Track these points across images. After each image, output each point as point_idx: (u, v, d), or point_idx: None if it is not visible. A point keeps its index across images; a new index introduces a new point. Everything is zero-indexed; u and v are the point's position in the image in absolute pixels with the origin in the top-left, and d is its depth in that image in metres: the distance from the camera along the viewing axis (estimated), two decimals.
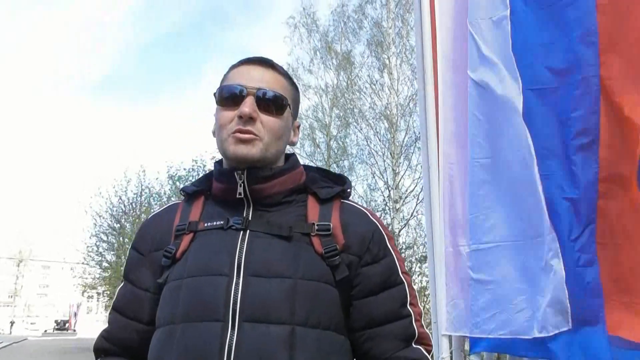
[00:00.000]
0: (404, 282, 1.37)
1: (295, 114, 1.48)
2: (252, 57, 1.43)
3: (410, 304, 1.35)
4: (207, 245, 1.31)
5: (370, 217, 1.42)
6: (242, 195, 1.35)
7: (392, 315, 1.33)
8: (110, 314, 1.45)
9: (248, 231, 1.31)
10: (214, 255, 1.29)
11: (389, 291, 1.34)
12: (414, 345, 1.33)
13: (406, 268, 1.41)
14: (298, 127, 1.51)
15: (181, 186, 1.62)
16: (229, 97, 1.36)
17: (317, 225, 1.32)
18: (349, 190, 1.45)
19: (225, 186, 1.37)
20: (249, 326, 1.20)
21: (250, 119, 1.32)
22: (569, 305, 1.99)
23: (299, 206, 1.38)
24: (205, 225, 1.34)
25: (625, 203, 2.08)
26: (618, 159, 2.11)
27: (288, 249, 1.29)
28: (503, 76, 2.33)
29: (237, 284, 1.23)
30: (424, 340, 1.35)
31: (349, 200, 1.45)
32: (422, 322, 1.37)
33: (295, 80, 1.50)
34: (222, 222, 1.33)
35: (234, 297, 1.22)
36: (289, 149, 1.51)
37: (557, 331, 2.02)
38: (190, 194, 1.44)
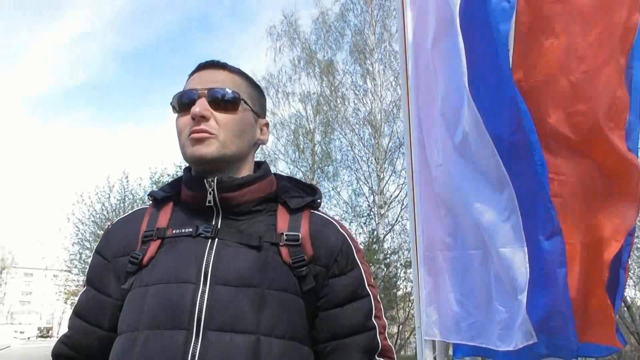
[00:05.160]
0: (370, 295, 1.37)
1: (259, 111, 1.46)
2: (204, 62, 1.43)
3: (375, 316, 1.36)
4: (175, 252, 1.29)
5: (339, 228, 1.42)
6: (212, 204, 1.33)
7: (358, 327, 1.33)
8: (70, 319, 1.41)
9: (217, 239, 1.30)
10: (182, 262, 1.27)
11: (355, 303, 1.34)
12: (377, 358, 1.34)
13: (372, 280, 1.41)
14: (266, 125, 1.50)
15: None
16: (183, 103, 1.36)
17: (285, 235, 1.32)
18: (319, 200, 1.45)
19: (195, 193, 1.36)
20: (213, 335, 1.18)
21: (202, 118, 1.31)
22: (529, 320, 1.99)
23: (268, 215, 1.37)
24: (174, 232, 1.32)
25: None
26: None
27: (256, 258, 1.27)
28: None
29: (203, 292, 1.22)
30: (387, 353, 1.36)
31: (319, 211, 1.44)
32: (386, 335, 1.38)
33: (254, 79, 1.48)
34: (191, 230, 1.31)
35: (199, 305, 1.20)
36: (263, 155, 1.49)
37: (526, 343, 2.01)
38: (159, 199, 1.42)
